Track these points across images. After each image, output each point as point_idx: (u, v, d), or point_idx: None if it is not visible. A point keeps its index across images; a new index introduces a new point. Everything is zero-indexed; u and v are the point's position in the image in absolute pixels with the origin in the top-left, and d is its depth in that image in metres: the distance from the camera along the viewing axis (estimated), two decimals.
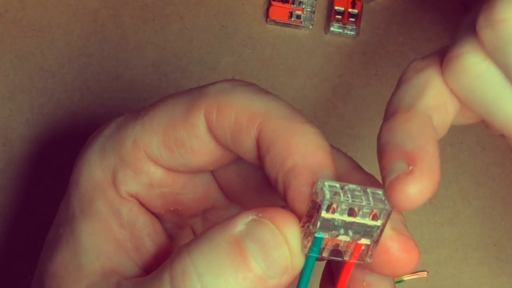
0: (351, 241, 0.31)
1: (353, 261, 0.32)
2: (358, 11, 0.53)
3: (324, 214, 0.30)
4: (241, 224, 0.32)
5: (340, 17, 0.53)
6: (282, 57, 0.53)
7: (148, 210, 0.38)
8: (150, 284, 0.33)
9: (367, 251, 0.32)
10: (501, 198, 0.53)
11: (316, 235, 0.31)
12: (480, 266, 0.53)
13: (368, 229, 0.31)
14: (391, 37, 0.54)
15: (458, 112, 0.34)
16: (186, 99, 0.36)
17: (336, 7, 0.53)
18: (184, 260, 0.32)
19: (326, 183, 0.31)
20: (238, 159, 0.37)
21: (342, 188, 0.31)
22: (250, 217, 0.32)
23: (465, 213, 0.53)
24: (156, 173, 0.37)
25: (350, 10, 0.53)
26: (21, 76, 0.52)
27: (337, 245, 0.31)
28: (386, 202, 0.31)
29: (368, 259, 0.32)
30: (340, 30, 0.53)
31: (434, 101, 0.33)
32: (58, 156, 0.52)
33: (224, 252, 0.31)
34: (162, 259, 0.34)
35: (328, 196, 0.30)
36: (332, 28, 0.53)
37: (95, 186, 0.37)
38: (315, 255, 0.32)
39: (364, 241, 0.31)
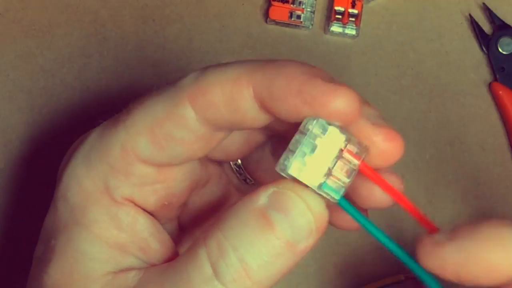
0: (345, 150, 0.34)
1: (360, 161, 0.35)
2: (358, 11, 0.53)
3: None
4: (263, 196, 0.34)
5: (340, 17, 0.53)
6: (282, 57, 0.53)
7: (144, 209, 0.38)
8: (184, 263, 0.35)
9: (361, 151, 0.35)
10: (501, 198, 0.53)
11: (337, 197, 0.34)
12: None
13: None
14: (391, 37, 0.54)
15: None
16: (165, 96, 0.37)
17: (336, 7, 0.53)
18: (217, 236, 0.34)
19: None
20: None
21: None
22: (271, 190, 0.34)
23: (465, 213, 0.53)
24: (148, 172, 0.37)
25: (350, 10, 0.53)
26: (21, 76, 0.52)
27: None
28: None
29: (363, 155, 0.35)
30: (340, 30, 0.53)
31: None
32: (58, 156, 0.52)
33: (252, 224, 0.34)
34: (169, 254, 0.37)
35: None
36: (332, 28, 0.53)
37: (86, 197, 0.37)
38: (338, 196, 0.34)
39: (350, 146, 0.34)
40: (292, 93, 0.34)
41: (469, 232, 0.33)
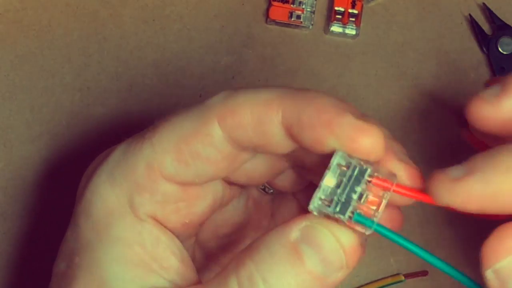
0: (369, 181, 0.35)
1: (392, 188, 0.35)
2: (358, 11, 0.53)
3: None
4: (296, 230, 0.34)
5: (340, 17, 0.53)
6: (282, 57, 0.53)
7: (165, 227, 0.39)
8: None
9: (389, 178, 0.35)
10: None
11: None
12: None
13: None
14: (391, 37, 0.54)
15: None
16: (193, 113, 0.37)
17: (336, 7, 0.53)
18: (249, 266, 0.34)
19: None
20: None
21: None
22: (304, 223, 0.34)
23: None
24: (172, 190, 0.38)
25: (350, 10, 0.53)
26: (21, 76, 0.53)
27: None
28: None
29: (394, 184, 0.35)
30: (340, 30, 0.53)
31: None
32: (57, 156, 0.52)
33: (284, 257, 0.34)
34: (188, 273, 0.38)
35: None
36: (332, 28, 0.53)
37: (110, 213, 0.37)
38: (373, 224, 0.34)
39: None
40: (321, 123, 0.34)
41: (487, 163, 0.33)
